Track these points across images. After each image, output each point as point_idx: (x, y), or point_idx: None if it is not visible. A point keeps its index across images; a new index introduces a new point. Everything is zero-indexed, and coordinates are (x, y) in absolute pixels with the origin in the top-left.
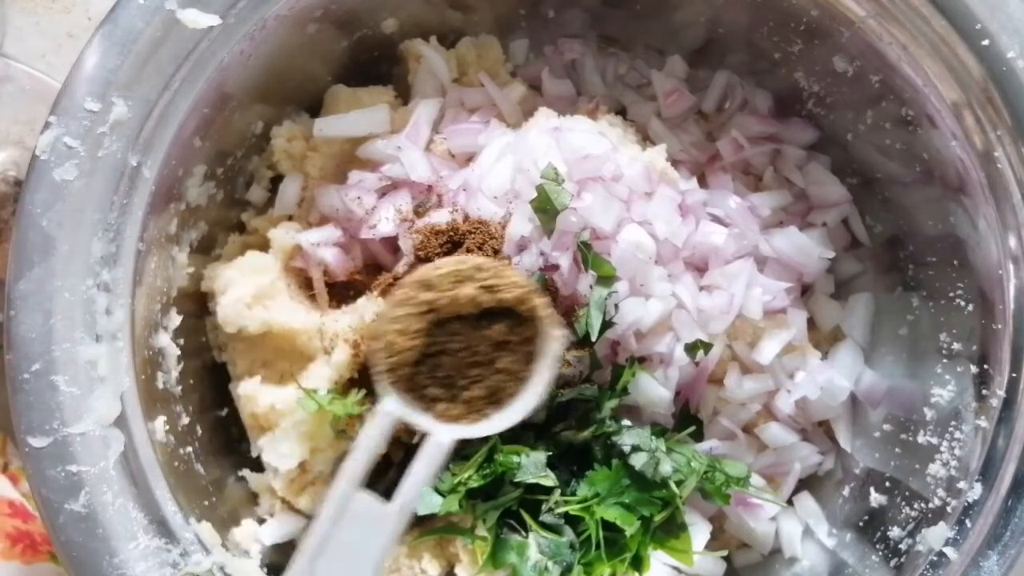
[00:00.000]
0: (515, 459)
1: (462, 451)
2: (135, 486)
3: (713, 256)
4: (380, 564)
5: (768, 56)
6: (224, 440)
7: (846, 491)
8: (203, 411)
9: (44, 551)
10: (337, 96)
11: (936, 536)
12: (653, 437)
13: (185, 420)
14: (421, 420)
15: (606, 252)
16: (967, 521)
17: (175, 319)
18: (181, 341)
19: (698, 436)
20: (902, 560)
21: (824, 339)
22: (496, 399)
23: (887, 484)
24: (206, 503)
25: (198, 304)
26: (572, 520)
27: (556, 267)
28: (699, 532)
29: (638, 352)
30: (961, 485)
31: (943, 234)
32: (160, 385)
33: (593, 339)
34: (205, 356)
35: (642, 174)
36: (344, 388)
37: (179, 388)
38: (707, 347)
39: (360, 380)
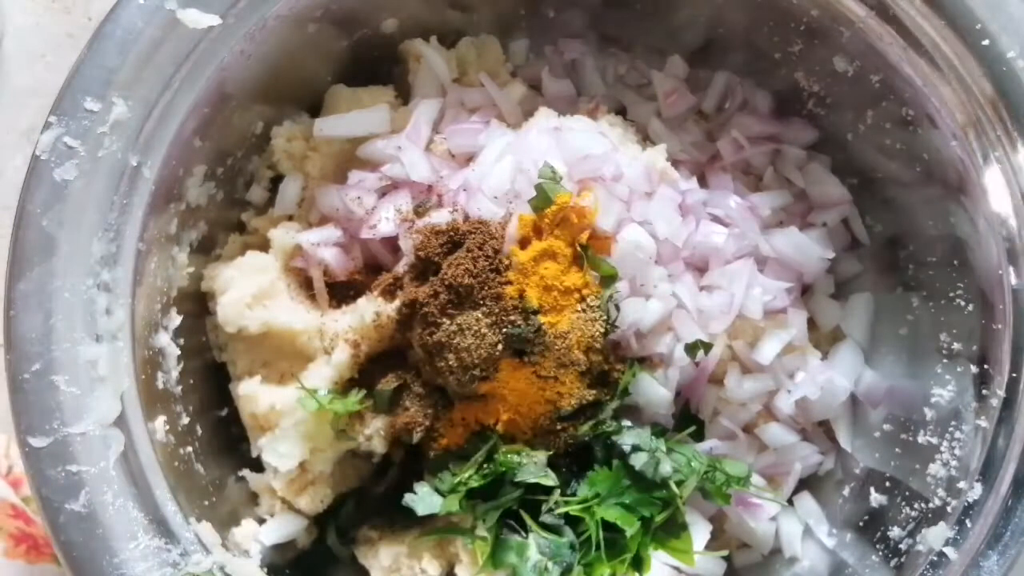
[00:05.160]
0: (515, 459)
1: (462, 451)
2: (135, 486)
3: (713, 256)
4: None
5: (768, 56)
6: (224, 440)
7: (846, 491)
8: (203, 411)
9: (47, 553)
10: (337, 96)
11: (936, 536)
12: (653, 437)
13: (185, 420)
14: None
15: (606, 252)
16: (967, 521)
17: (175, 319)
18: (181, 341)
19: (698, 436)
20: (902, 560)
21: (824, 339)
22: None
23: (887, 484)
24: (206, 503)
25: (198, 304)
26: (572, 520)
27: None
28: (699, 532)
29: (638, 352)
30: (961, 485)
31: (943, 234)
32: (160, 385)
33: None
34: (205, 356)
35: (642, 174)
36: (344, 388)
37: (179, 388)
38: (707, 347)
39: (360, 380)
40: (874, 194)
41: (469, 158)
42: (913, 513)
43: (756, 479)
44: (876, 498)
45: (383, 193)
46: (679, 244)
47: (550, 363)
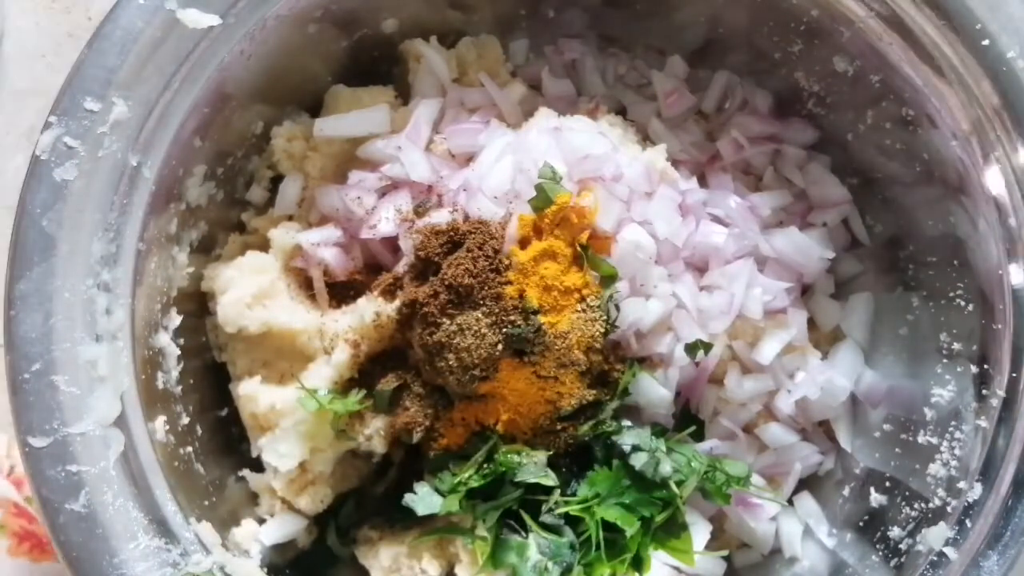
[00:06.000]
0: (515, 459)
1: (462, 451)
2: (135, 486)
3: (713, 256)
4: None
5: (768, 56)
6: (224, 440)
7: (846, 491)
8: (203, 411)
9: (51, 552)
10: (337, 96)
11: (936, 536)
12: (653, 437)
13: (185, 420)
14: None
15: (606, 252)
16: (967, 521)
17: (175, 319)
18: (181, 341)
19: (698, 436)
20: (902, 560)
21: (824, 339)
22: None
23: (887, 484)
24: (206, 503)
25: (198, 304)
26: (572, 520)
27: None
28: (699, 532)
29: (638, 352)
30: (961, 485)
31: (943, 234)
32: (160, 385)
33: None
34: (205, 356)
35: (642, 174)
36: (344, 388)
37: (179, 388)
38: (707, 347)
39: (360, 380)
40: (874, 194)
41: (469, 158)
42: (913, 513)
43: (756, 479)
44: (876, 498)
45: (383, 193)
46: (679, 244)
47: (550, 363)
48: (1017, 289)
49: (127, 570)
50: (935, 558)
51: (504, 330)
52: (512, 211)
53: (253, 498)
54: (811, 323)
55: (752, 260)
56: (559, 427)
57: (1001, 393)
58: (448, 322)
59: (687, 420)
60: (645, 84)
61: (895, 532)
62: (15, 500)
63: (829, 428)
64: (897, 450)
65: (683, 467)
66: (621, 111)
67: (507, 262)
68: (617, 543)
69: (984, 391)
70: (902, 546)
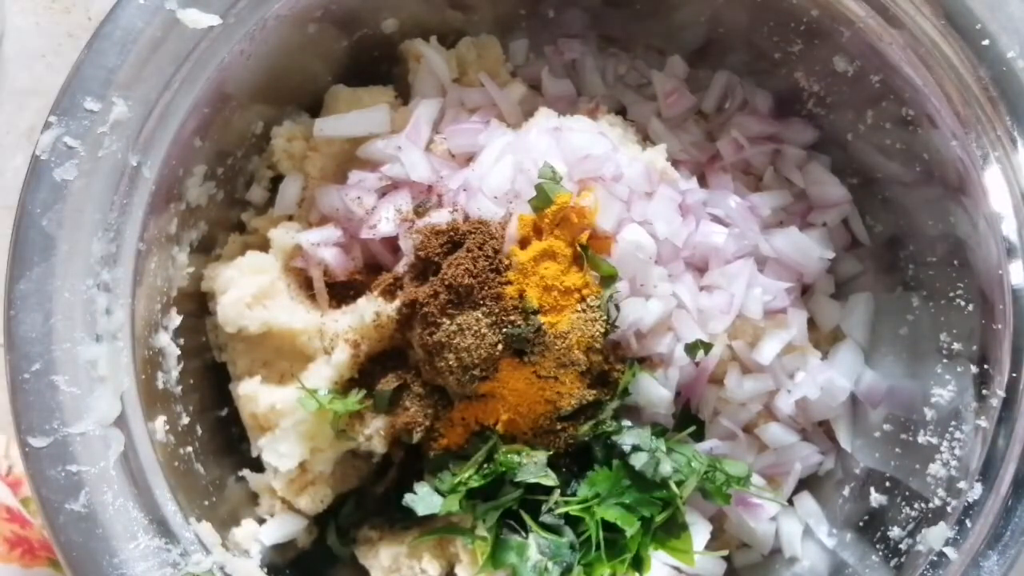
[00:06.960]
0: (515, 459)
1: (462, 451)
2: (135, 486)
3: (713, 256)
4: None
5: (768, 56)
6: (224, 440)
7: (846, 491)
8: (203, 411)
9: (43, 556)
10: (337, 96)
11: (936, 536)
12: (653, 437)
13: (185, 420)
14: None
15: (606, 252)
16: (967, 521)
17: (175, 319)
18: (181, 341)
19: (698, 436)
20: (902, 560)
21: (824, 339)
22: None
23: (887, 484)
24: (206, 503)
25: (198, 304)
26: (572, 520)
27: None
28: (699, 532)
29: (638, 352)
30: (961, 485)
31: (943, 234)
32: (160, 385)
33: None
34: (205, 356)
35: (642, 174)
36: (344, 388)
37: (179, 388)
38: (707, 347)
39: (360, 380)
40: (874, 194)
41: (469, 158)
42: (913, 513)
43: (756, 479)
44: (876, 498)
45: (383, 193)
46: (679, 244)
47: (550, 363)
48: (1017, 289)
49: (127, 570)
50: (935, 558)
51: (504, 330)
52: (512, 211)
53: (253, 498)
54: (811, 323)
55: (752, 260)
56: (559, 427)
57: (1001, 393)
58: (448, 322)
59: (687, 420)
60: (645, 84)
61: (895, 532)
62: (8, 504)
63: (829, 428)
64: (897, 450)
65: (683, 467)
66: (621, 111)
67: (507, 262)
68: (617, 543)
69: (984, 391)
70: (902, 546)
